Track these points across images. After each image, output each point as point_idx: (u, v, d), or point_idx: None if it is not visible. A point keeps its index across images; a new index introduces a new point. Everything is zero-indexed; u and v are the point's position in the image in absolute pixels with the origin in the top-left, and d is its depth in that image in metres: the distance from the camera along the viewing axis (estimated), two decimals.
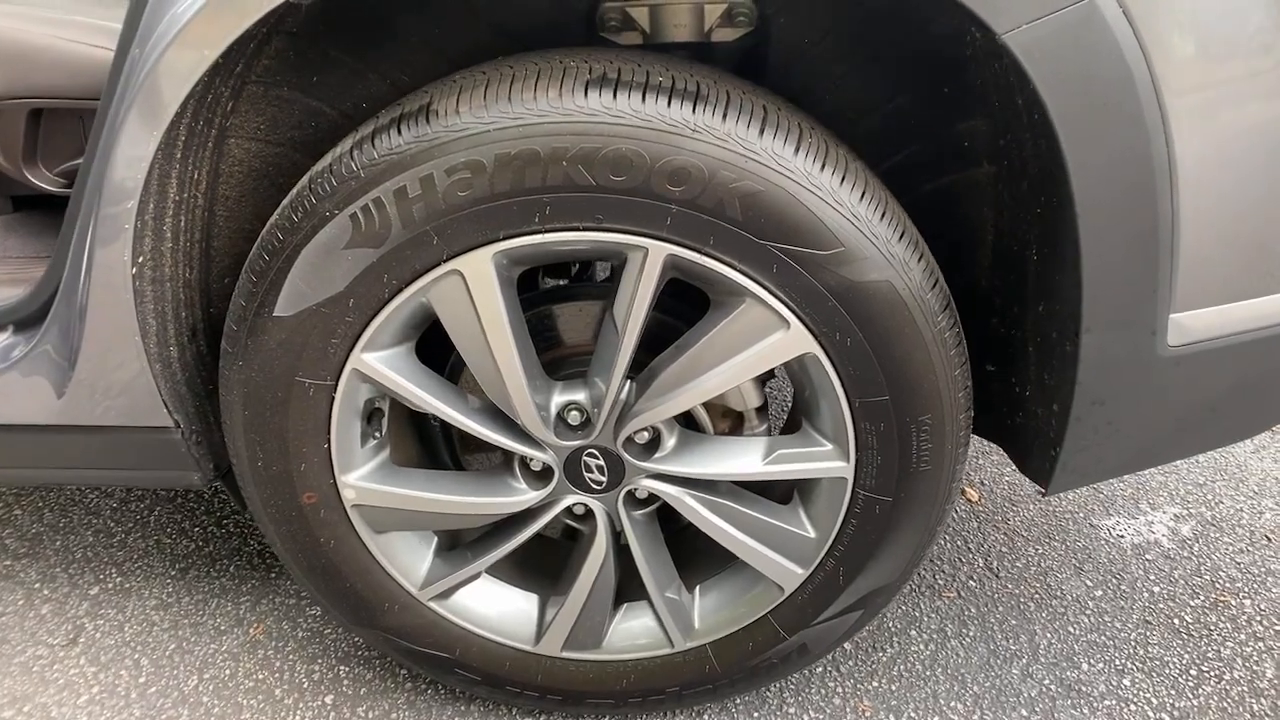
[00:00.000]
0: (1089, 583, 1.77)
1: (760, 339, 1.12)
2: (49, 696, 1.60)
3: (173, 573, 1.89)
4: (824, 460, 1.22)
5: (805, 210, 1.03)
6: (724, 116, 1.01)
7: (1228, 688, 1.53)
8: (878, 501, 1.22)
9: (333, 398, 1.18)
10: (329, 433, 1.21)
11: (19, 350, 1.34)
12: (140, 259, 1.20)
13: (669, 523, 1.43)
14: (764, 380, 1.33)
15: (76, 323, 1.26)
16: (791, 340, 1.12)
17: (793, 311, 1.09)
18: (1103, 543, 1.87)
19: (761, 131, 1.02)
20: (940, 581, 1.78)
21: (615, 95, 1.00)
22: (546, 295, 1.35)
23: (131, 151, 1.10)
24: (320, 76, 1.35)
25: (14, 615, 1.79)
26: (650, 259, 1.07)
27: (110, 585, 1.86)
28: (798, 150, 1.03)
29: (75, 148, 1.56)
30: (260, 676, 1.63)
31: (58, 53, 1.43)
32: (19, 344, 1.36)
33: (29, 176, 1.55)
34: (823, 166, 1.04)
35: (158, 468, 1.40)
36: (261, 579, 1.86)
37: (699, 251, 1.06)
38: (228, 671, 1.64)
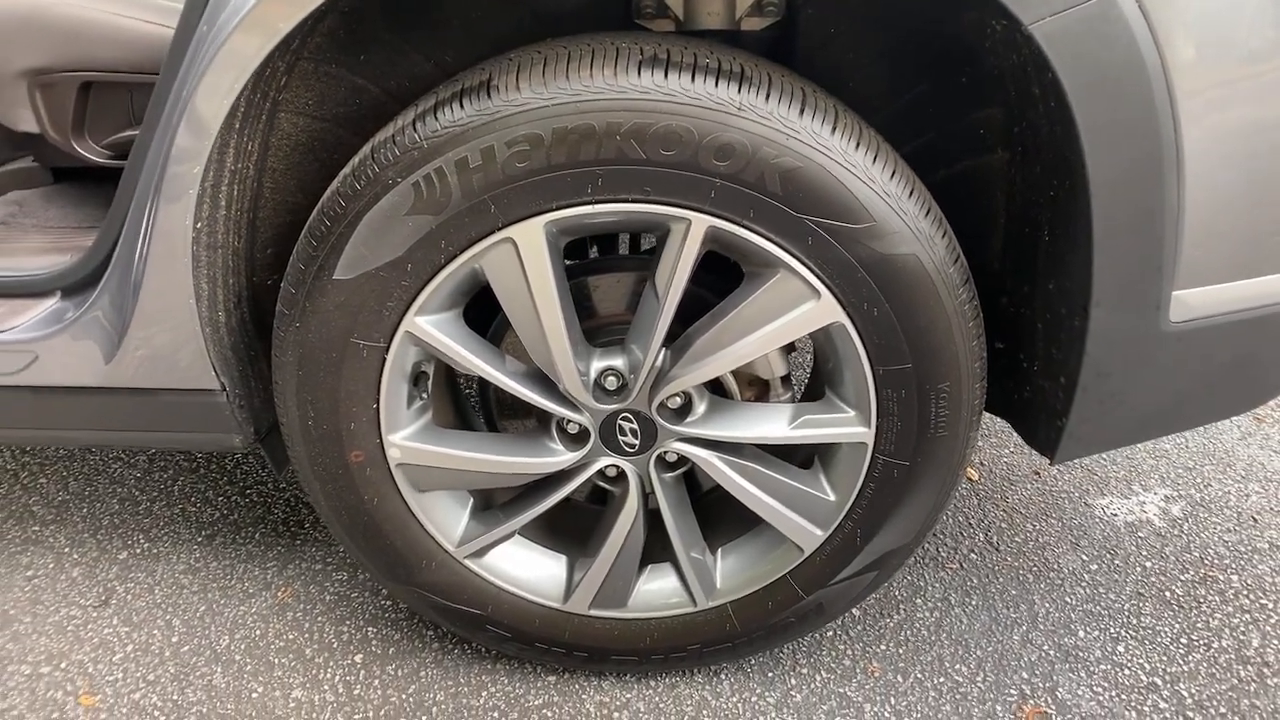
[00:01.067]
0: (1085, 557, 1.85)
1: (792, 309, 1.19)
2: (85, 654, 1.66)
3: (199, 539, 1.94)
4: (846, 426, 1.29)
5: (840, 186, 1.10)
6: (767, 97, 1.08)
7: (1216, 655, 1.62)
8: (896, 466, 1.30)
9: (384, 359, 1.24)
10: (378, 393, 1.27)
11: (70, 314, 1.39)
12: (199, 225, 1.26)
13: (692, 490, 1.51)
14: (788, 350, 1.40)
15: (132, 286, 1.31)
16: (821, 310, 1.19)
17: (824, 282, 1.16)
18: (1097, 520, 1.96)
19: (801, 111, 1.09)
20: (943, 554, 1.86)
21: (667, 75, 1.07)
22: (585, 267, 1.41)
23: (202, 115, 1.16)
24: (367, 55, 1.41)
25: (45, 578, 1.84)
26: (693, 231, 1.14)
27: (138, 550, 1.92)
28: (834, 130, 1.10)
29: (122, 120, 1.61)
30: (290, 637, 1.69)
31: (110, 28, 1.48)
32: (69, 309, 1.41)
33: (77, 148, 1.60)
34: (857, 145, 1.11)
35: (201, 430, 1.45)
36: (287, 545, 1.92)
37: (739, 224, 1.13)
38: (258, 632, 1.70)
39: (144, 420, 1.45)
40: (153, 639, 1.69)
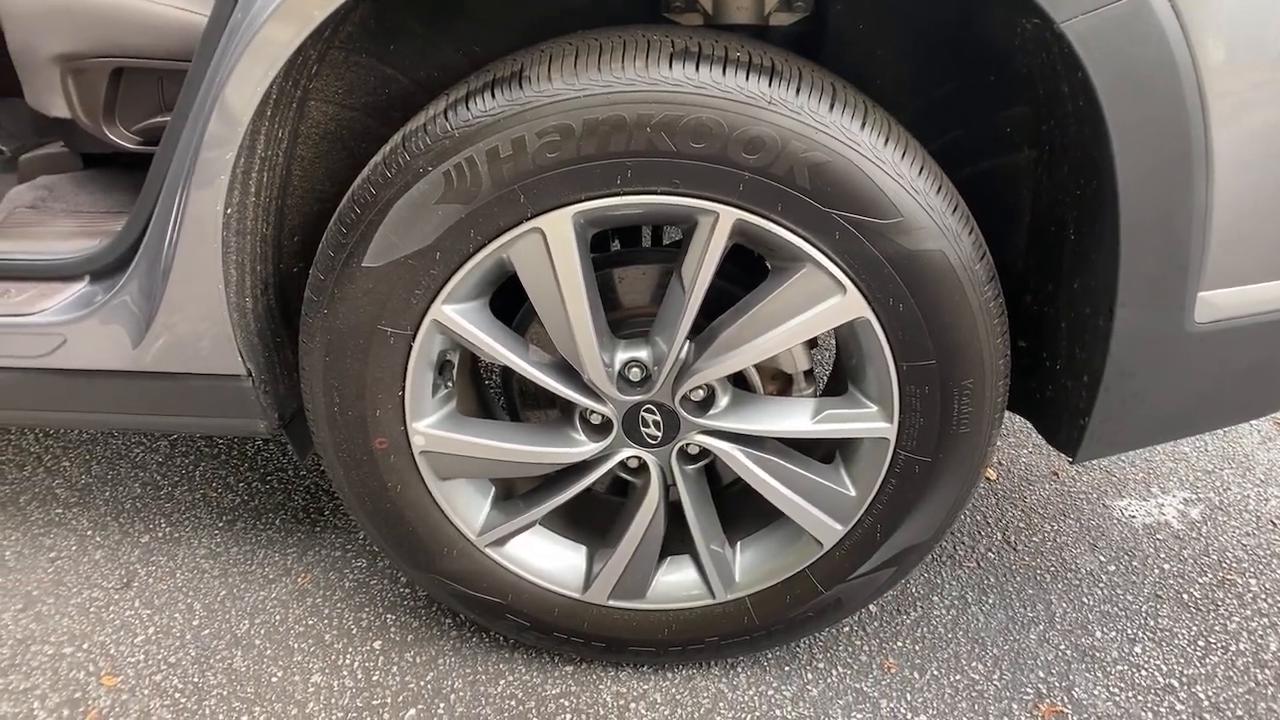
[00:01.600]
0: (1102, 558, 1.85)
1: (817, 303, 1.20)
2: (107, 635, 1.68)
3: (220, 524, 1.96)
4: (869, 421, 1.29)
5: (869, 181, 1.10)
6: (797, 91, 1.09)
7: (1233, 658, 1.61)
8: (917, 462, 1.30)
9: (411, 347, 1.25)
10: (404, 381, 1.28)
11: (99, 298, 1.41)
12: (229, 210, 1.27)
13: (712, 483, 1.51)
14: (811, 345, 1.41)
15: (161, 271, 1.32)
16: (847, 305, 1.19)
17: (849, 277, 1.17)
18: (1115, 522, 1.95)
19: (831, 106, 1.09)
20: (961, 553, 1.86)
21: (698, 68, 1.08)
22: (611, 259, 1.42)
23: (235, 102, 1.17)
24: (396, 45, 1.42)
25: (68, 560, 1.86)
26: (720, 224, 1.14)
27: (160, 534, 1.93)
28: (864, 125, 1.10)
29: (152, 106, 1.62)
30: (310, 622, 1.70)
31: (143, 14, 1.49)
32: (98, 293, 1.43)
33: (108, 133, 1.61)
34: (885, 141, 1.11)
35: (227, 415, 1.47)
36: (307, 532, 1.93)
37: (766, 218, 1.13)
38: (278, 617, 1.71)
39: (170, 405, 1.47)
40: (174, 622, 1.70)
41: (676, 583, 1.49)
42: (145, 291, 1.36)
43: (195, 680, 1.57)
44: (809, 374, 1.41)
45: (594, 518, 1.55)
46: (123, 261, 1.39)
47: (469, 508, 1.43)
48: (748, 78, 1.08)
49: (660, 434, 1.34)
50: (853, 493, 1.36)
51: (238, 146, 1.20)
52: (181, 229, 1.28)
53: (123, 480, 2.11)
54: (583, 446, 1.36)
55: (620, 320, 1.40)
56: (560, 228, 1.15)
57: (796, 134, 1.08)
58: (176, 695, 1.55)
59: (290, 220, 1.45)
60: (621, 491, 1.55)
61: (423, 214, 1.15)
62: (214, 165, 1.22)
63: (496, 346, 1.27)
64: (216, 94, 1.18)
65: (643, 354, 1.29)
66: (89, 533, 1.94)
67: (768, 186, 1.11)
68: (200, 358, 1.39)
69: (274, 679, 1.58)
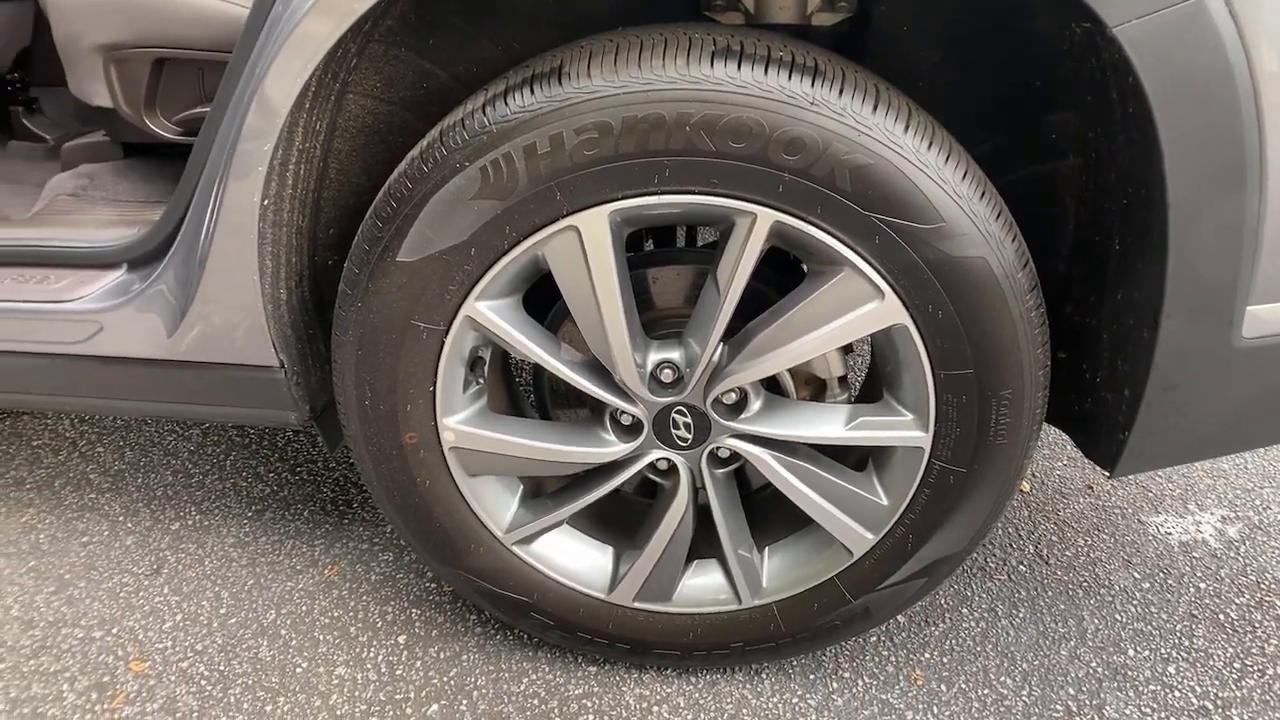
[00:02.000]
0: (1137, 575, 1.81)
1: (855, 308, 1.18)
2: (135, 621, 1.69)
3: (249, 514, 1.97)
4: (903, 429, 1.27)
5: (911, 185, 1.08)
6: (840, 92, 1.07)
7: (1270, 682, 1.58)
8: (952, 472, 1.28)
9: (443, 342, 1.25)
10: (435, 376, 1.28)
11: (136, 286, 1.42)
12: (266, 202, 1.27)
13: (741, 487, 1.50)
14: (847, 350, 1.39)
15: (197, 261, 1.33)
16: (885, 310, 1.17)
17: (888, 282, 1.15)
18: (1151, 539, 1.92)
19: (875, 108, 1.08)
20: (992, 564, 1.83)
21: (739, 67, 1.06)
22: (645, 259, 1.41)
23: (274, 94, 1.17)
24: (435, 39, 1.42)
25: (100, 545, 1.88)
26: (758, 225, 1.13)
27: (190, 522, 1.95)
28: (907, 128, 1.09)
29: (193, 97, 1.63)
30: (336, 614, 1.70)
31: (186, 5, 1.50)
32: (135, 281, 1.44)
33: (149, 123, 1.63)
34: (929, 145, 1.09)
35: (258, 406, 1.47)
36: (335, 524, 1.94)
37: (805, 220, 1.12)
38: (304, 608, 1.72)
39: (203, 394, 1.48)
40: (201, 609, 1.71)
41: (703, 586, 1.48)
42: (181, 281, 1.37)
43: (221, 668, 1.58)
44: (843, 380, 1.39)
45: (622, 518, 1.54)
46: (160, 251, 1.40)
47: (497, 505, 1.42)
48: (790, 77, 1.06)
49: (691, 436, 1.33)
50: (885, 501, 1.34)
51: (276, 138, 1.21)
52: (218, 220, 1.28)
53: (155, 467, 2.13)
54: (612, 447, 1.35)
55: (653, 321, 1.39)
56: (596, 226, 1.14)
57: (839, 136, 1.06)
58: (202, 682, 1.55)
59: (326, 213, 1.45)
60: (650, 493, 1.54)
61: (458, 209, 1.15)
62: (252, 157, 1.22)
63: (529, 344, 1.26)
64: (256, 86, 1.18)
65: (675, 355, 1.28)
66: (121, 518, 1.96)
67: (808, 188, 1.09)
68: (234, 348, 1.39)
69: (299, 669, 1.58)
